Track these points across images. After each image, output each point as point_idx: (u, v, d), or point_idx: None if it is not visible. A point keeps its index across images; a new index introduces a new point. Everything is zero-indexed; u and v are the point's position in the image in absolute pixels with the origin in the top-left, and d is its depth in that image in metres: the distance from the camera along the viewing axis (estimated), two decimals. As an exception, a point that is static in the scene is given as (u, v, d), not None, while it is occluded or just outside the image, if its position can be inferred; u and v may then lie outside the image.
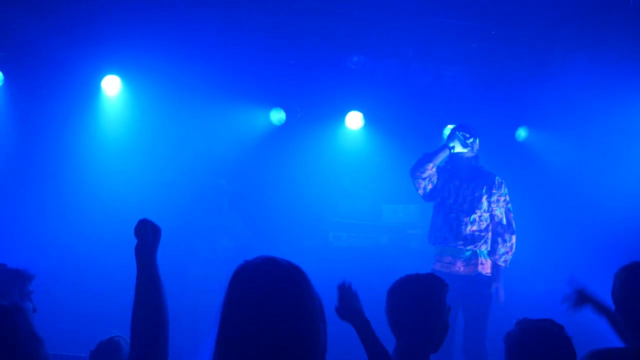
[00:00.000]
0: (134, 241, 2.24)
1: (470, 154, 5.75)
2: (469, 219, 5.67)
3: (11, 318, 2.39)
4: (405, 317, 2.78)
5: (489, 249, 5.69)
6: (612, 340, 3.09)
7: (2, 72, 6.61)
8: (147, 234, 2.31)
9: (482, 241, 5.66)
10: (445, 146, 5.69)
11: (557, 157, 7.54)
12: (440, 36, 6.88)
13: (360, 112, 7.46)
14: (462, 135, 5.66)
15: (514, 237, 5.74)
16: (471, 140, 5.68)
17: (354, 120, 7.48)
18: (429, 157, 5.71)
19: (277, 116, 7.43)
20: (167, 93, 6.96)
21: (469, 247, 5.62)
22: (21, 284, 3.30)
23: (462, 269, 5.60)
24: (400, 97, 7.35)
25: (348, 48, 7.04)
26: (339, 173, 7.50)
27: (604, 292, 3.10)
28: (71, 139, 6.89)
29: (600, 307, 3.31)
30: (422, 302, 2.79)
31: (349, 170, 7.55)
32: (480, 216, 5.71)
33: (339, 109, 7.47)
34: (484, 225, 5.71)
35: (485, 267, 5.65)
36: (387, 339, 2.86)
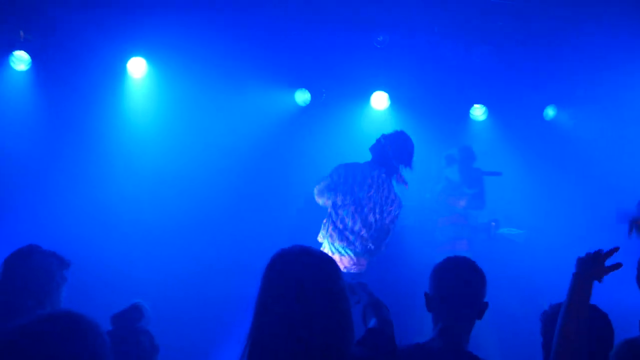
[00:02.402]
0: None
1: None
2: None
3: None
4: (457, 298, 2.81)
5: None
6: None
7: (29, 55, 6.65)
8: None
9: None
10: None
11: (587, 136, 7.42)
12: (466, 14, 6.79)
13: (386, 92, 7.41)
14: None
15: None
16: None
17: (380, 100, 7.44)
18: None
19: (302, 97, 7.41)
20: (193, 74, 6.96)
21: None
22: (62, 269, 3.25)
23: None
24: (426, 77, 7.29)
25: (373, 27, 6.99)
26: (365, 153, 7.45)
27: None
28: (97, 121, 6.93)
29: None
30: (474, 283, 2.85)
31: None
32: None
33: (364, 89, 7.43)
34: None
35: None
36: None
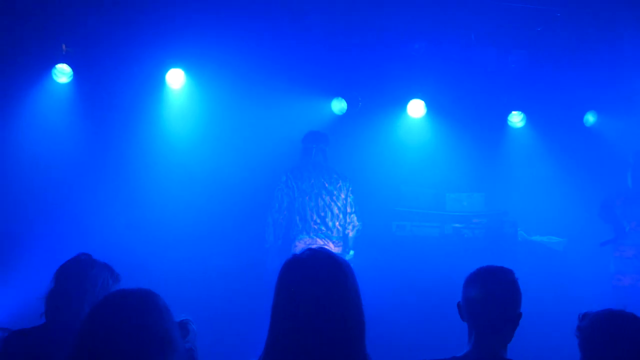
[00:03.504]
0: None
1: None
2: None
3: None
4: (487, 309, 2.75)
5: None
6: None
7: (71, 67, 6.80)
8: None
9: None
10: None
11: (629, 143, 7.27)
12: (504, 20, 6.74)
13: (422, 100, 7.38)
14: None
15: None
16: None
17: (416, 108, 7.41)
18: None
19: (339, 106, 7.42)
20: (230, 85, 7.04)
21: None
22: (116, 283, 3.25)
23: None
24: (463, 84, 7.24)
25: (409, 35, 6.97)
26: (402, 162, 7.44)
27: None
28: (137, 132, 7.04)
29: None
30: (507, 294, 2.78)
31: (412, 159, 7.48)
32: None
33: (400, 97, 7.41)
34: None
35: None
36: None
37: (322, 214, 6.53)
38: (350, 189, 6.66)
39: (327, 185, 6.59)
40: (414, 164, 7.49)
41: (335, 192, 6.59)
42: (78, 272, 3.13)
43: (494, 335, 2.75)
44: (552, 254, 7.03)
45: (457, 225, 7.25)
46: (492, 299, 2.75)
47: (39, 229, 6.48)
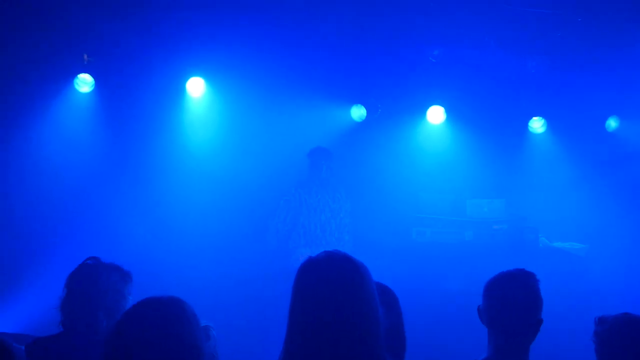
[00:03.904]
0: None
1: None
2: None
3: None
4: (507, 313, 2.74)
5: None
6: None
7: (92, 77, 6.87)
8: None
9: None
10: None
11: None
12: (523, 25, 6.70)
13: (442, 106, 7.36)
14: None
15: None
16: None
17: (436, 114, 7.39)
18: None
19: (358, 113, 7.43)
20: (250, 93, 7.08)
21: None
22: (127, 284, 3.26)
23: None
24: (483, 90, 7.21)
25: (428, 42, 6.97)
26: (421, 168, 7.42)
27: None
28: (157, 140, 7.10)
29: None
30: (527, 299, 2.77)
31: (432, 165, 7.46)
32: None
33: (420, 103, 7.40)
34: None
35: None
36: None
37: (325, 227, 6.72)
38: (349, 210, 6.84)
39: (331, 203, 6.79)
40: (434, 170, 7.46)
41: (336, 210, 6.79)
42: (87, 278, 3.14)
43: (513, 339, 2.74)
44: (574, 261, 6.96)
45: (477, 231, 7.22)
46: (512, 303, 2.75)
47: (60, 236, 6.55)
